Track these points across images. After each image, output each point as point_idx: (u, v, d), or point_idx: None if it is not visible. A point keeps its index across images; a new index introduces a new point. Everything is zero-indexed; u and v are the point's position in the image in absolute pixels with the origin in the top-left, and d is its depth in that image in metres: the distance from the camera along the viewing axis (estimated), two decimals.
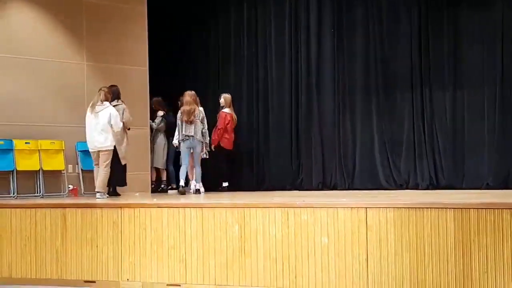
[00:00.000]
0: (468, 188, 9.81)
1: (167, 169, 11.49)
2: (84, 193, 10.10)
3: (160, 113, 11.48)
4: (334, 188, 11.06)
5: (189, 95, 10.05)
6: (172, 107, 11.37)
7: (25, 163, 9.74)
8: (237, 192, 10.70)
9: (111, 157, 8.98)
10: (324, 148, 11.28)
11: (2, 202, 8.39)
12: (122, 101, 9.51)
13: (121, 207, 7.39)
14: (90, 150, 9.13)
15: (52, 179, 10.00)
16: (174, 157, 11.34)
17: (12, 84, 9.80)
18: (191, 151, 10.09)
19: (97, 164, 9.11)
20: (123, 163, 9.27)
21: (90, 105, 9.11)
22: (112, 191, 9.26)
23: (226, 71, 12.28)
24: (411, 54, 10.65)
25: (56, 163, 10.01)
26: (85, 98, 10.20)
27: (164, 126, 11.39)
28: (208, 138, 10.42)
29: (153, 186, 11.30)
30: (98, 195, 8.84)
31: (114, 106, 9.20)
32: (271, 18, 11.87)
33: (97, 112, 8.98)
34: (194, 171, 10.19)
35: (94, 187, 9.05)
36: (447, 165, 10.37)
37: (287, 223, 6.52)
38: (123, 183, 9.58)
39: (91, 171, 9.43)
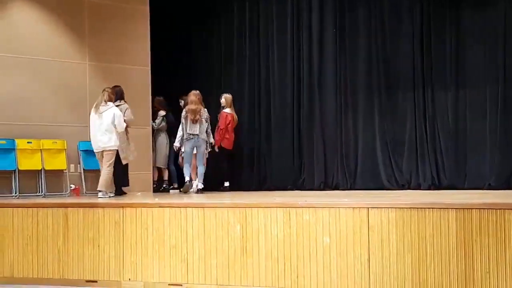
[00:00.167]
0: (470, 188, 9.79)
1: (168, 169, 11.51)
2: (86, 193, 10.11)
3: (162, 112, 11.49)
4: (336, 188, 11.03)
5: (194, 95, 10.08)
6: (172, 107, 11.37)
7: (27, 163, 9.75)
8: (239, 192, 10.70)
9: (114, 157, 8.99)
10: (326, 148, 11.26)
11: (4, 202, 8.40)
12: (125, 101, 9.53)
13: (123, 207, 7.39)
14: (94, 151, 9.13)
15: (54, 179, 10.00)
16: (175, 156, 11.35)
17: (13, 83, 9.80)
18: (194, 151, 10.09)
19: None
20: (124, 163, 9.29)
21: (94, 105, 9.10)
22: (118, 191, 9.28)
23: (228, 71, 12.25)
24: (413, 54, 10.62)
25: (58, 162, 10.01)
26: (87, 97, 10.21)
27: (166, 125, 11.41)
28: (212, 139, 10.44)
29: (155, 185, 11.31)
30: (100, 194, 8.84)
31: (116, 106, 9.20)
32: (273, 18, 11.85)
33: (101, 113, 8.99)
34: (196, 170, 10.19)
35: (97, 187, 9.05)
36: (449, 165, 10.34)
37: (289, 223, 6.52)
38: (125, 183, 9.60)
39: (93, 171, 9.45)
